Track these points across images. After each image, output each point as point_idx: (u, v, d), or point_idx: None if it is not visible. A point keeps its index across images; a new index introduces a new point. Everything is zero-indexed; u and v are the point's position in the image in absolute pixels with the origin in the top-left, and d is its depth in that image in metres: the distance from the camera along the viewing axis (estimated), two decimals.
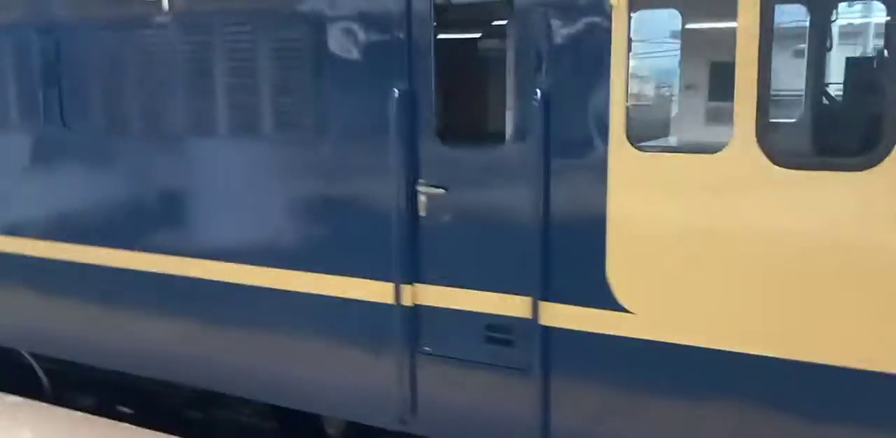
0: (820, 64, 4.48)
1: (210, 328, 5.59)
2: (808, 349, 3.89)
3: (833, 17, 4.84)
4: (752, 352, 4.00)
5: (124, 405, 6.83)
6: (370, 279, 4.91)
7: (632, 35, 4.13)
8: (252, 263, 5.30)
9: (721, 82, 4.75)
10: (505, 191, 4.51)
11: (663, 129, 4.48)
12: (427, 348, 4.86)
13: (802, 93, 4.27)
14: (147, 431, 6.09)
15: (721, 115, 4.21)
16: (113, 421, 6.32)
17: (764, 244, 3.91)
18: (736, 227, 3.96)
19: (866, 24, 15.26)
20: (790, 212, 3.84)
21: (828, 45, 4.91)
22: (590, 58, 4.17)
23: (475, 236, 4.63)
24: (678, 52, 5.29)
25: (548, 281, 4.43)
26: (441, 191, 4.69)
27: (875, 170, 3.66)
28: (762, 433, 4.08)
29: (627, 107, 4.13)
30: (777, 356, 3.95)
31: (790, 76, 4.43)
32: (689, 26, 5.14)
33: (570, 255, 4.36)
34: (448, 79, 4.63)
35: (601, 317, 4.32)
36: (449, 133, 4.68)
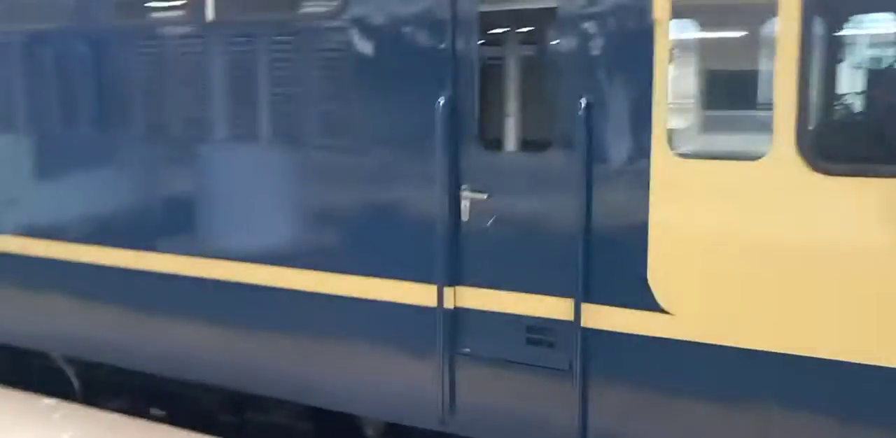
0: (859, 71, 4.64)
1: (252, 331, 5.71)
2: (842, 349, 4.02)
3: (873, 25, 4.99)
4: (789, 352, 4.14)
5: (157, 408, 6.94)
6: (413, 282, 5.05)
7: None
8: (295, 267, 5.43)
9: (761, 91, 4.92)
10: (547, 196, 4.65)
11: (705, 137, 4.64)
12: (467, 349, 4.99)
13: (841, 100, 4.43)
14: (183, 431, 6.18)
15: (759, 123, 4.38)
16: (149, 422, 6.41)
17: (800, 248, 4.05)
18: (774, 233, 4.10)
19: None
20: (829, 217, 3.99)
21: (869, 53, 5.08)
22: (633, 68, 4.32)
23: (517, 240, 4.77)
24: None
25: (589, 283, 4.56)
26: (483, 196, 4.83)
27: None
28: (797, 433, 4.20)
29: (669, 116, 4.27)
30: (811, 356, 4.08)
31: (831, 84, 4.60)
32: (730, 36, 5.32)
33: (612, 258, 4.50)
34: (491, 86, 4.77)
35: (641, 319, 4.46)
36: (491, 140, 4.81)
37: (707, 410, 4.39)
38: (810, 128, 4.03)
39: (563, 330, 4.68)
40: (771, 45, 4.06)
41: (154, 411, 6.90)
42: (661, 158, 4.30)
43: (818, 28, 4.06)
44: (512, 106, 5.31)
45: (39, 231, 6.59)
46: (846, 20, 4.73)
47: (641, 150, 4.35)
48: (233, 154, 5.62)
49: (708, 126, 4.87)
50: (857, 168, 3.91)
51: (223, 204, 5.70)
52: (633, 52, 4.31)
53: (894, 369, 3.90)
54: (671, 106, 4.28)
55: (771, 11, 4.03)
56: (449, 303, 4.96)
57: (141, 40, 5.86)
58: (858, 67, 4.92)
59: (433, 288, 4.97)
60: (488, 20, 4.82)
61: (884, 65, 5.14)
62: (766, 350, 4.17)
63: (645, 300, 4.42)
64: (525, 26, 6.10)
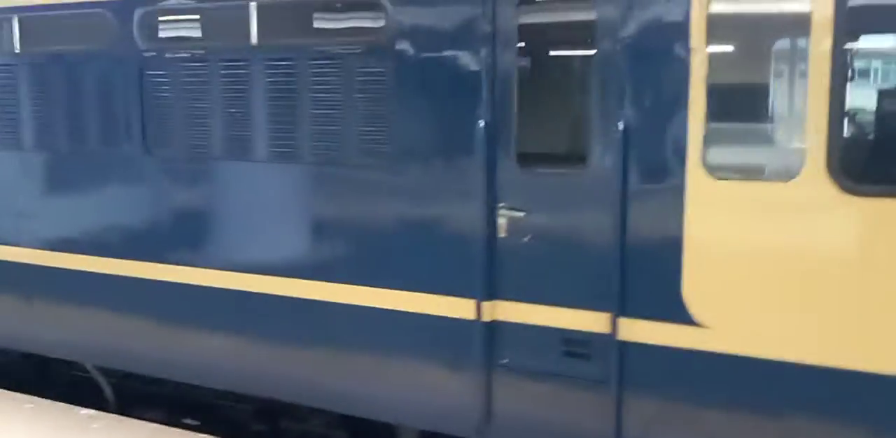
0: (892, 93, 4.83)
1: (292, 342, 5.88)
2: (877, 362, 4.21)
3: None
4: (820, 365, 4.33)
5: (189, 418, 7.09)
6: (452, 296, 5.23)
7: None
8: (335, 281, 5.62)
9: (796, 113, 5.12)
10: (584, 213, 4.84)
11: (739, 159, 4.85)
12: (504, 361, 5.17)
13: (872, 122, 4.62)
14: None
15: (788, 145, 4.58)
16: (187, 432, 6.56)
17: (829, 265, 4.24)
18: (804, 250, 4.29)
19: None
20: (859, 236, 4.19)
21: None
22: (670, 91, 4.52)
23: (553, 255, 4.96)
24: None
25: (625, 298, 4.75)
26: (520, 213, 5.02)
27: None
28: None
29: (705, 138, 4.46)
30: (843, 368, 4.27)
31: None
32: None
33: (648, 274, 4.69)
34: (528, 106, 4.96)
35: (676, 332, 4.65)
36: (528, 159, 5.00)
37: (741, 422, 4.56)
38: (840, 149, 4.22)
39: (599, 343, 4.87)
40: (805, 72, 4.26)
41: (187, 421, 7.05)
42: (695, 178, 4.50)
43: (847, 55, 4.24)
44: (549, 125, 5.50)
45: (82, 246, 6.75)
46: (877, 42, 4.95)
47: (677, 172, 4.54)
48: (279, 174, 5.79)
49: (740, 147, 5.06)
50: (886, 189, 4.12)
51: (268, 220, 5.88)
52: (671, 76, 4.50)
53: None
54: (705, 127, 4.47)
55: (804, 33, 4.22)
56: (487, 317, 5.15)
57: (184, 63, 6.04)
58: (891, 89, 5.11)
59: (472, 303, 5.15)
60: (527, 40, 5.01)
61: None
62: (797, 362, 4.36)
63: (679, 313, 4.61)
64: (563, 47, 6.31)
